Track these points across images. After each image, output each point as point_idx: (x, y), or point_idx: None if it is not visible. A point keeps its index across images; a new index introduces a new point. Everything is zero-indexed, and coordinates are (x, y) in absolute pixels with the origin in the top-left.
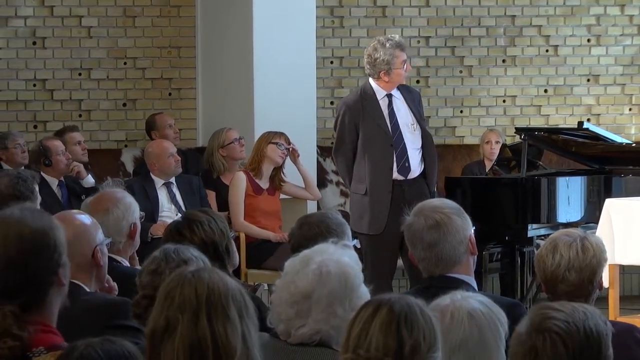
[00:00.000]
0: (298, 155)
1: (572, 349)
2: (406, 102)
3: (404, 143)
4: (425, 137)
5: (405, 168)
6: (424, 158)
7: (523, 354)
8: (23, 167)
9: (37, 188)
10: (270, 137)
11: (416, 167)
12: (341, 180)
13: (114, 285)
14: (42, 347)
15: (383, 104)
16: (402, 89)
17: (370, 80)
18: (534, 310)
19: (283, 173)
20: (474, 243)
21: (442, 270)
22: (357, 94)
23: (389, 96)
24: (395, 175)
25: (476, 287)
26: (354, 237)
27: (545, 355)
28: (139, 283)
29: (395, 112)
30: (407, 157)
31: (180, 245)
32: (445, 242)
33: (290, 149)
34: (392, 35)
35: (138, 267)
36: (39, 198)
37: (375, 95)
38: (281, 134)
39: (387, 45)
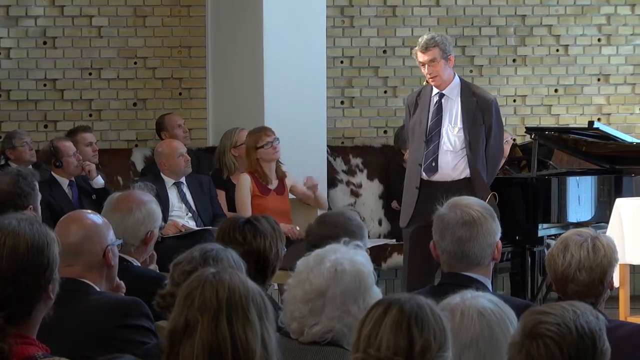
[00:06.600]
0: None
1: (567, 350)
2: (462, 106)
3: (438, 143)
4: (475, 146)
5: (431, 167)
6: (470, 164)
7: None
8: (31, 166)
9: (37, 186)
10: (255, 143)
11: (448, 170)
12: (351, 180)
13: (121, 283)
14: None
15: (432, 101)
16: (469, 93)
17: None
18: (525, 317)
19: (280, 162)
20: (500, 250)
21: (463, 268)
22: (418, 90)
23: (441, 95)
24: (422, 173)
25: (491, 290)
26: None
27: None
28: (171, 278)
29: (443, 111)
30: (436, 157)
31: (219, 247)
32: (476, 241)
33: (313, 185)
34: (422, 37)
35: (154, 265)
36: (40, 195)
37: (430, 93)
38: (263, 131)
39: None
